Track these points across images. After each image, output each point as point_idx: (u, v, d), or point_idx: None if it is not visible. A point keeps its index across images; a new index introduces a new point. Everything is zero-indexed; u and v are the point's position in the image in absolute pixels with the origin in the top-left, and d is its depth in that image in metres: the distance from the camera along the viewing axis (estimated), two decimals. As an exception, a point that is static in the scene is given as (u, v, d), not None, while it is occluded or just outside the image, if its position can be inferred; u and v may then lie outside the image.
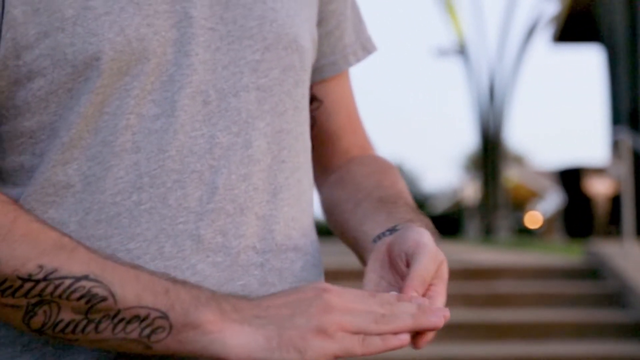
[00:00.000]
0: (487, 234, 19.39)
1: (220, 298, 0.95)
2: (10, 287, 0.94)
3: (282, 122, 1.11)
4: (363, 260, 1.13)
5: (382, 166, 1.27)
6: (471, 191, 23.53)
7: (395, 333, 0.95)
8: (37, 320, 0.95)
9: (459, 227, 28.10)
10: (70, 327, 0.95)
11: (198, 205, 1.04)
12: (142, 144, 1.03)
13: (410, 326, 0.95)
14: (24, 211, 0.98)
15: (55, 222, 1.01)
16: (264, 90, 1.10)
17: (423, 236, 1.04)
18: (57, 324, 0.95)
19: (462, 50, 21.32)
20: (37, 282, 0.93)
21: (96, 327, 0.94)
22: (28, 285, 0.94)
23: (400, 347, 0.94)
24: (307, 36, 1.15)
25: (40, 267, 0.94)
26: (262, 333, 0.93)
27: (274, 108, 1.10)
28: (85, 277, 0.94)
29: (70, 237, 0.97)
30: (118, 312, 0.94)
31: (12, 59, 1.02)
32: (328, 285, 0.96)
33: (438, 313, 0.96)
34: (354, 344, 0.94)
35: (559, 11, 19.04)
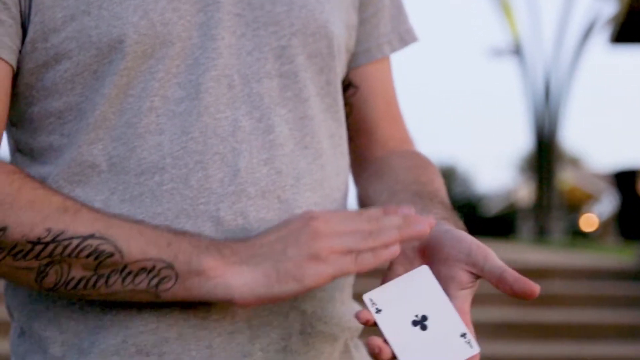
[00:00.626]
0: (541, 235, 19.25)
1: (220, 244, 1.00)
2: (21, 251, 0.99)
3: (305, 109, 1.12)
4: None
5: (422, 162, 1.25)
6: (525, 193, 23.38)
7: (386, 246, 0.98)
8: (50, 279, 1.00)
9: (512, 228, 27.92)
10: (82, 284, 1.00)
11: (219, 187, 1.06)
12: (165, 126, 1.05)
13: (397, 237, 0.99)
14: (29, 179, 1.02)
15: (82, 201, 1.04)
16: (287, 77, 1.11)
17: (473, 238, 1.03)
18: (69, 282, 1.00)
19: (517, 51, 21.17)
20: (46, 244, 0.98)
21: (106, 282, 0.99)
22: (38, 247, 0.98)
23: (392, 258, 0.99)
24: (338, 22, 1.16)
25: (48, 230, 0.98)
26: (260, 270, 0.98)
27: (297, 95, 1.11)
28: (92, 236, 0.98)
29: (73, 199, 1.01)
30: (125, 266, 0.99)
31: (40, 42, 1.05)
32: (314, 212, 1.00)
33: (423, 221, 0.99)
34: (347, 264, 0.98)
35: (616, 11, 18.85)
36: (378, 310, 0.98)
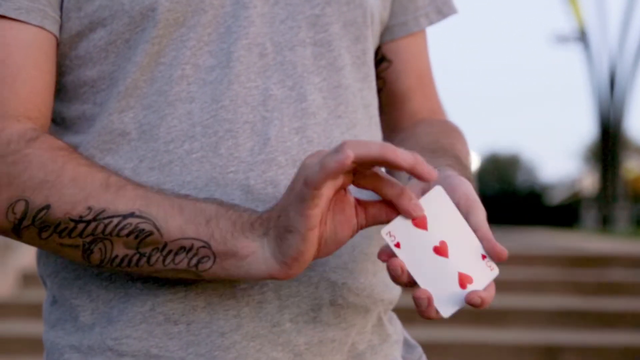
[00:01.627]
0: (605, 224, 19.03)
1: (260, 219, 0.98)
2: (66, 228, 0.99)
3: (340, 78, 1.11)
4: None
5: (447, 128, 1.24)
6: (590, 182, 23.11)
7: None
8: (95, 256, 1.01)
9: (576, 217, 27.61)
10: (125, 262, 1.00)
11: (249, 156, 1.05)
12: (196, 94, 1.05)
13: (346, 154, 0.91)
14: (74, 155, 1.02)
15: (111, 168, 1.05)
16: (322, 45, 1.10)
17: (470, 189, 1.01)
18: (113, 259, 1.00)
19: (582, 38, 20.92)
20: (88, 222, 0.99)
21: (148, 260, 1.00)
22: (81, 226, 0.99)
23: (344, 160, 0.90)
24: None
25: (89, 208, 0.99)
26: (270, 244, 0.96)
27: (332, 63, 1.11)
28: (131, 215, 0.98)
29: (118, 175, 1.01)
30: (165, 244, 0.99)
31: (74, 11, 1.06)
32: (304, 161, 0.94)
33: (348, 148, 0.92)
34: (314, 169, 0.92)
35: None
36: (397, 244, 0.95)
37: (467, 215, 0.98)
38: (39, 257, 1.13)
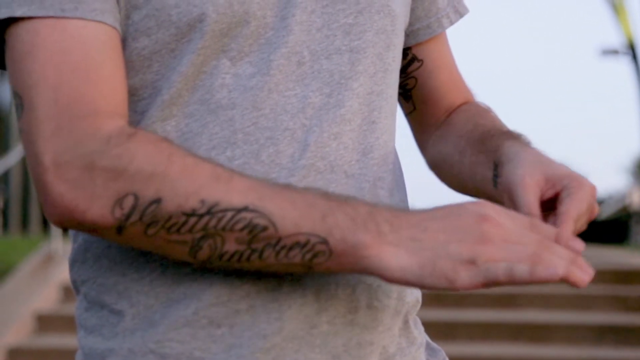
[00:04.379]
0: (653, 240, 18.79)
1: (378, 216, 0.99)
2: (176, 223, 0.98)
3: (372, 84, 1.14)
4: (488, 196, 1.17)
5: (479, 109, 1.31)
6: (638, 197, 22.87)
7: (547, 268, 0.96)
8: (203, 253, 1.00)
9: (626, 232, 27.33)
10: (236, 257, 1.00)
11: (290, 162, 1.07)
12: (237, 101, 1.07)
13: (559, 274, 0.96)
14: (176, 146, 1.01)
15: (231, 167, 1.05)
16: (357, 52, 1.12)
17: (561, 167, 1.11)
18: (222, 255, 1.00)
19: (630, 51, 20.75)
20: (201, 216, 0.98)
21: (260, 255, 0.99)
22: (192, 220, 0.98)
23: (549, 280, 0.95)
24: (398, 1, 1.18)
25: (202, 201, 0.97)
26: (417, 259, 0.97)
27: (366, 69, 1.13)
28: (245, 209, 0.98)
29: (222, 166, 1.01)
30: (279, 240, 0.98)
31: (123, 19, 1.07)
32: (488, 210, 0.98)
33: (588, 271, 0.97)
34: (500, 274, 0.96)
35: None
36: None
37: (567, 195, 1.07)
38: (73, 263, 1.13)
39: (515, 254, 0.96)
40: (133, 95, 1.08)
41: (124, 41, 1.07)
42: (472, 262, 0.96)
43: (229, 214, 0.97)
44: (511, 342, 6.58)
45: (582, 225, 1.08)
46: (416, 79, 1.32)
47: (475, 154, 1.21)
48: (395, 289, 1.11)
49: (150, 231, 0.99)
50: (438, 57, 1.33)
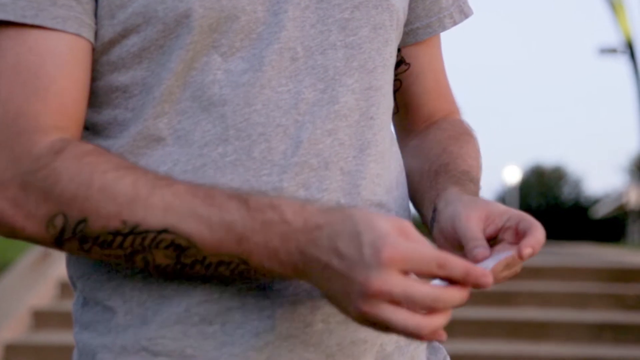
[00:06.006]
0: (650, 238, 18.82)
1: (292, 240, 0.97)
2: (105, 241, 1.00)
3: (371, 79, 1.12)
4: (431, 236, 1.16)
5: (457, 131, 1.27)
6: (635, 195, 22.92)
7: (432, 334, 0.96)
8: (139, 265, 1.02)
9: (622, 231, 27.37)
10: (170, 269, 1.01)
11: (282, 159, 1.06)
12: (229, 97, 1.06)
13: (442, 323, 0.96)
14: (101, 159, 1.02)
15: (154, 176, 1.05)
16: (353, 48, 1.11)
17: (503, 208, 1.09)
18: (157, 267, 1.01)
19: (628, 50, 20.76)
20: (126, 235, 0.99)
21: (191, 269, 1.01)
22: (119, 238, 1.00)
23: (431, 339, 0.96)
24: None
25: (124, 222, 0.99)
26: (324, 292, 0.97)
27: (363, 65, 1.12)
28: (165, 231, 0.99)
29: (145, 176, 1.01)
30: (204, 257, 1.00)
31: (107, 19, 1.06)
32: (392, 248, 0.93)
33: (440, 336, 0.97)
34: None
35: None
36: None
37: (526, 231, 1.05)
38: (69, 259, 1.14)
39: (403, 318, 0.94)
40: (124, 92, 1.08)
41: (113, 40, 1.07)
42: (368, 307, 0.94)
43: (151, 235, 0.99)
44: (508, 340, 6.58)
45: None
46: (401, 82, 1.29)
47: (426, 188, 1.19)
48: None
49: (85, 246, 1.01)
50: (427, 62, 1.29)
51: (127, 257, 1.01)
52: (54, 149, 1.02)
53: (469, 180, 1.17)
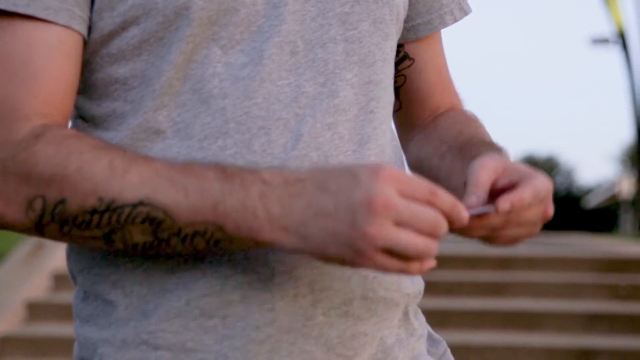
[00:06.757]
0: (642, 228, 18.85)
1: (270, 195, 0.98)
2: (83, 221, 1.01)
3: (370, 74, 1.13)
4: None
5: (466, 117, 1.28)
6: (627, 185, 22.96)
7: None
8: (118, 245, 1.02)
9: (615, 221, 27.42)
10: (147, 247, 1.02)
11: (282, 152, 1.06)
12: (229, 90, 1.06)
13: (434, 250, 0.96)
14: (79, 142, 1.02)
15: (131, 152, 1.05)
16: (352, 42, 1.11)
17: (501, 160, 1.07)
18: (135, 245, 1.02)
19: (620, 41, 20.76)
20: (102, 213, 1.00)
21: (168, 244, 1.01)
22: (96, 217, 1.00)
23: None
24: None
25: (100, 199, 1.00)
26: (308, 246, 0.97)
27: (362, 59, 1.12)
28: (141, 203, 0.99)
29: (122, 155, 1.01)
30: (180, 229, 1.00)
31: (107, 10, 1.06)
32: (380, 190, 0.95)
33: (427, 265, 0.97)
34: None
35: None
36: None
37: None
38: (69, 253, 1.14)
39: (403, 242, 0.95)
40: (124, 84, 1.08)
41: (113, 32, 1.07)
42: (361, 254, 0.95)
43: (127, 210, 0.99)
44: (502, 331, 6.60)
45: (534, 218, 1.05)
46: (405, 77, 1.29)
47: (453, 160, 1.19)
48: (392, 280, 1.11)
49: (65, 229, 1.02)
50: (430, 57, 1.30)
51: (106, 238, 1.01)
52: (34, 134, 1.03)
53: (499, 148, 1.16)
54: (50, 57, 1.05)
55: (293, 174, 0.99)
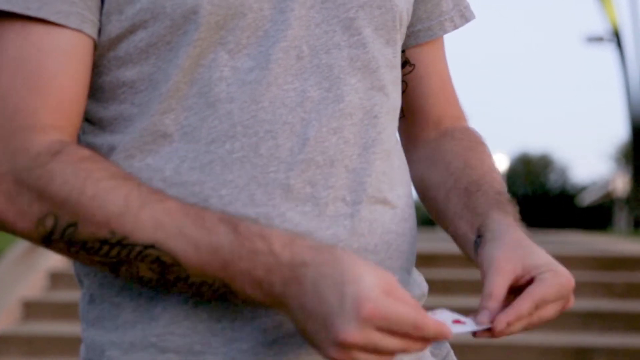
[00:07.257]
0: (636, 226, 18.90)
1: (276, 272, 0.99)
2: (92, 247, 1.01)
3: (374, 79, 1.14)
4: (465, 252, 1.18)
5: (472, 142, 1.28)
6: (621, 183, 22.99)
7: None
8: (123, 275, 1.03)
9: (609, 219, 27.45)
10: (153, 283, 1.03)
11: (289, 156, 1.08)
12: (235, 94, 1.07)
13: None
14: (97, 166, 1.03)
15: (152, 169, 1.07)
16: (357, 48, 1.12)
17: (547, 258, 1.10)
18: (141, 279, 1.03)
19: (615, 38, 20.79)
20: (113, 245, 1.01)
21: (174, 285, 1.02)
22: (105, 247, 1.01)
23: None
24: None
25: (112, 232, 1.00)
26: (300, 327, 0.99)
27: (366, 65, 1.13)
28: (152, 246, 1.00)
29: (138, 189, 1.02)
30: (188, 276, 1.01)
31: (115, 14, 1.07)
32: (372, 310, 0.96)
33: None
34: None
35: None
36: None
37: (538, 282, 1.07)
38: None
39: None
40: (131, 87, 1.09)
41: (121, 36, 1.08)
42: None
43: (138, 248, 1.00)
44: (497, 329, 6.60)
45: (549, 313, 1.08)
46: (406, 84, 1.29)
47: (460, 205, 1.20)
48: (400, 283, 1.09)
49: (72, 250, 1.03)
50: (431, 63, 1.30)
51: (112, 266, 1.02)
52: (51, 150, 1.03)
53: (507, 202, 1.18)
54: (63, 63, 1.06)
55: (301, 252, 0.99)
